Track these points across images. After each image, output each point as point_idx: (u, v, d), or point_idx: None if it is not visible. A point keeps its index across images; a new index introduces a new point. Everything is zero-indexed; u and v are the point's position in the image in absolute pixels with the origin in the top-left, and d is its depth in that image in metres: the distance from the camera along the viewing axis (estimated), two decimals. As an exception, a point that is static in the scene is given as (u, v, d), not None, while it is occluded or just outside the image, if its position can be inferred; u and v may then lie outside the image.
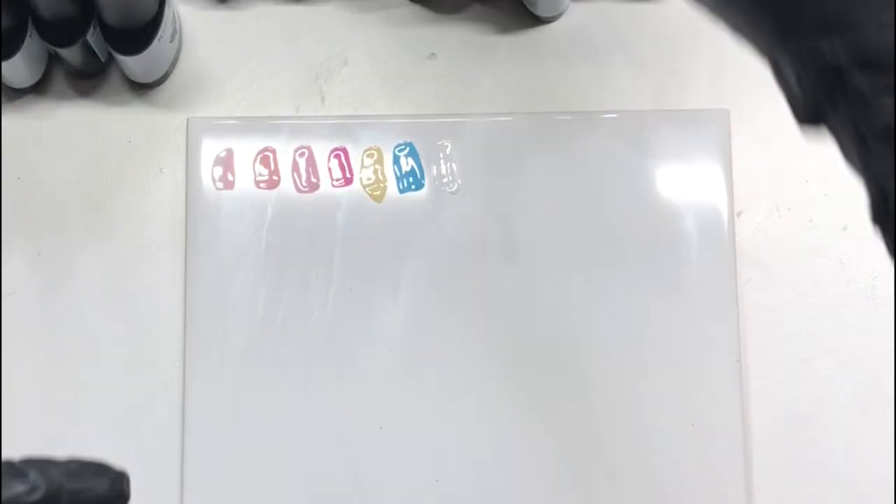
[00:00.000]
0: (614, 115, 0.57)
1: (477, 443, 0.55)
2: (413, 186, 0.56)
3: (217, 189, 0.56)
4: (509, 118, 0.58)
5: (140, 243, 0.57)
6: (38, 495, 0.28)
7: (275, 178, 0.56)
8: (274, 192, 0.56)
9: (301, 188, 0.56)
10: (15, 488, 0.28)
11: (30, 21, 0.54)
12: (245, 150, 0.56)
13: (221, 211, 0.56)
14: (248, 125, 0.57)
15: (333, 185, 0.56)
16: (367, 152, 0.57)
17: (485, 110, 0.58)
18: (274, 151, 0.57)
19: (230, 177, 0.56)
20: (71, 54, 0.55)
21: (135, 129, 0.58)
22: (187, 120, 0.57)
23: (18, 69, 0.56)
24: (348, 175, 0.57)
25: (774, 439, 0.56)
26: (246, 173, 0.56)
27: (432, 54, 0.60)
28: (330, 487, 0.54)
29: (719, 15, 0.35)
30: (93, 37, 0.55)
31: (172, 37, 0.57)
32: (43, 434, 0.55)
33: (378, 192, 0.56)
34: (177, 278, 0.56)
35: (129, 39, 0.55)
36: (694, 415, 0.55)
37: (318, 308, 0.55)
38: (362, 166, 0.57)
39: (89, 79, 0.59)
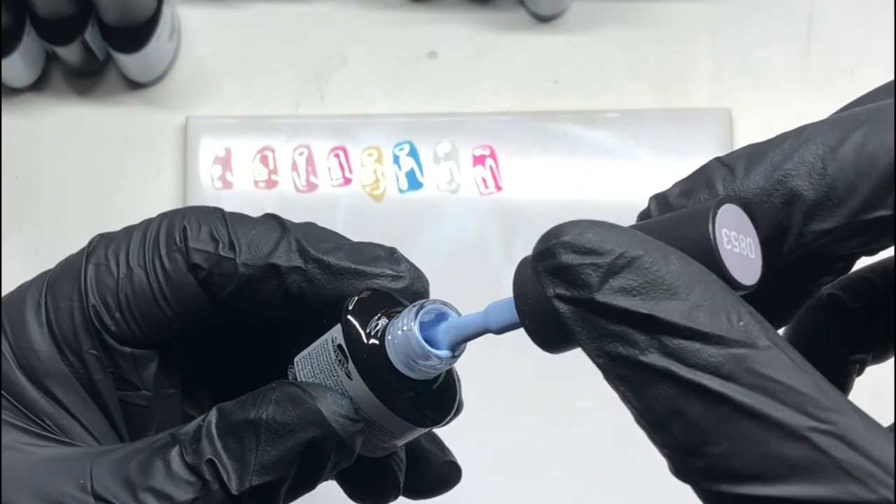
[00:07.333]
0: (615, 115, 0.57)
1: (477, 442, 0.54)
2: (413, 186, 0.56)
3: (216, 189, 0.56)
4: (509, 118, 0.57)
5: (138, 243, 0.57)
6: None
7: (274, 178, 0.56)
8: (273, 192, 0.56)
9: (300, 188, 0.56)
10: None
11: (27, 19, 0.54)
12: (244, 149, 0.56)
13: (220, 210, 0.56)
14: (247, 124, 0.57)
15: (333, 185, 0.56)
16: (367, 152, 0.57)
17: (485, 110, 0.58)
18: (273, 150, 0.56)
19: (229, 177, 0.56)
20: (69, 53, 0.55)
21: (133, 128, 0.58)
22: (186, 119, 0.57)
23: (16, 68, 0.55)
24: (348, 174, 0.56)
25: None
26: (245, 173, 0.56)
27: (432, 54, 0.59)
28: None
29: None
30: (91, 35, 0.55)
31: (171, 35, 0.57)
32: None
33: (378, 192, 0.56)
34: (175, 278, 0.56)
35: (128, 38, 0.55)
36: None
37: (317, 308, 0.55)
38: (362, 166, 0.56)
39: (88, 77, 0.58)
